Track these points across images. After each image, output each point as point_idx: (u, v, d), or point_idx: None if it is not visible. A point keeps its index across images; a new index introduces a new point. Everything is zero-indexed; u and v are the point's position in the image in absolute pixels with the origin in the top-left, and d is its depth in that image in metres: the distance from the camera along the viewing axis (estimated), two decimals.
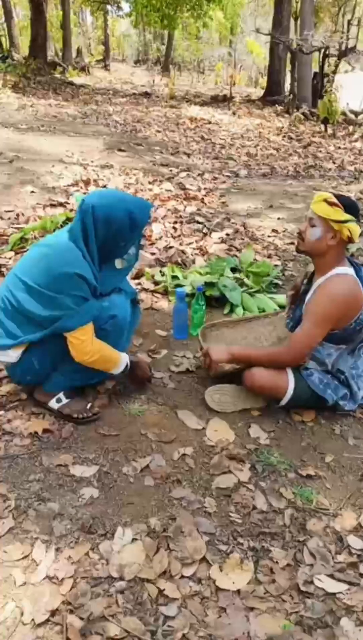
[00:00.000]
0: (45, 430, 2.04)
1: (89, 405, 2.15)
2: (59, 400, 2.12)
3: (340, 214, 1.99)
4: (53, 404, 2.12)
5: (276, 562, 1.59)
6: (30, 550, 1.56)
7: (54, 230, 3.68)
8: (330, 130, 10.96)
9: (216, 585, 1.51)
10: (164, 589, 1.48)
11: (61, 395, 2.12)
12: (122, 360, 2.11)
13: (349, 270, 2.07)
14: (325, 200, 2.01)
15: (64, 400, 2.12)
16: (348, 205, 2.01)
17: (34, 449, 1.97)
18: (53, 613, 1.39)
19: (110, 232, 1.94)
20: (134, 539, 1.62)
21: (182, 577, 1.52)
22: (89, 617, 1.39)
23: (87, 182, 5.24)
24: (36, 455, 1.94)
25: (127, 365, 2.14)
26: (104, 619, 1.39)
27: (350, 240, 2.04)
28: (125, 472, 1.89)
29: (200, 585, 1.51)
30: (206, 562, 1.57)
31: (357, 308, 2.05)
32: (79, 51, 22.16)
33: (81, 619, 1.38)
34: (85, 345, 1.96)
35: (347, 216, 1.99)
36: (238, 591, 1.50)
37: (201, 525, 1.69)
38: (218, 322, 2.61)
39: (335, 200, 2.00)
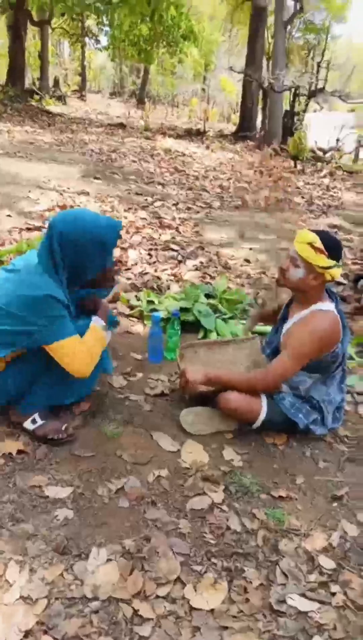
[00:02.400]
0: (19, 451, 2.03)
1: (64, 427, 2.14)
2: (34, 422, 2.11)
3: (324, 261, 2.02)
4: (28, 425, 2.11)
5: (250, 582, 1.61)
6: (4, 570, 1.55)
7: None
8: (299, 167, 11.35)
9: (190, 605, 1.52)
10: (138, 609, 1.48)
11: (36, 416, 2.12)
12: (101, 327, 2.10)
13: (330, 306, 2.15)
14: (310, 245, 2.02)
15: (39, 422, 2.12)
16: (332, 249, 2.03)
17: (7, 470, 1.95)
18: (27, 633, 1.38)
19: (78, 254, 1.94)
20: (108, 560, 1.62)
21: (156, 597, 1.53)
22: (64, 637, 1.38)
23: (63, 208, 5.29)
24: (10, 476, 1.92)
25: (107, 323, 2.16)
26: (79, 639, 1.38)
27: (332, 281, 2.11)
28: (100, 493, 1.89)
29: (174, 605, 1.51)
30: (180, 582, 1.58)
31: (334, 343, 2.13)
32: (56, 81, 22.47)
33: (55, 639, 1.37)
34: (83, 358, 1.98)
35: (331, 262, 2.03)
36: (212, 610, 1.51)
37: (176, 546, 1.70)
38: (196, 343, 2.66)
39: (320, 245, 2.01)
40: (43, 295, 1.86)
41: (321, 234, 2.06)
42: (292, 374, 2.15)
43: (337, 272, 2.07)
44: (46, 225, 4.60)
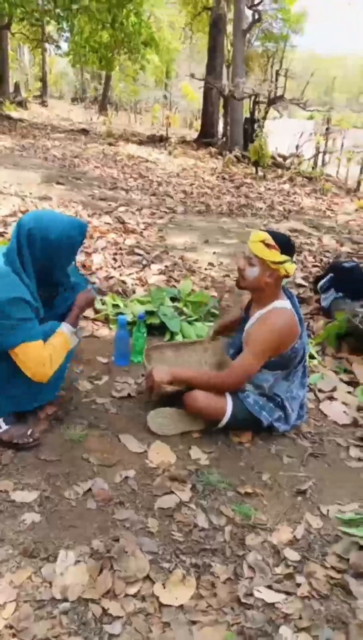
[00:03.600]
0: None
1: (29, 431, 2.13)
2: None
3: (277, 256, 2.12)
4: None
5: (217, 577, 1.64)
6: None
7: None
8: (260, 173, 11.53)
9: (159, 602, 1.53)
10: (108, 608, 1.49)
11: (0, 421, 2.10)
12: (68, 333, 2.11)
13: (286, 304, 2.22)
14: (263, 242, 2.12)
15: (4, 427, 2.10)
16: (284, 245, 2.14)
17: None
18: None
19: (47, 253, 1.96)
20: (77, 561, 1.63)
21: (126, 595, 1.54)
22: (33, 639, 1.38)
23: (25, 213, 5.24)
24: None
25: (75, 332, 2.17)
26: None
27: (287, 276, 2.19)
28: (67, 496, 1.89)
29: (144, 603, 1.53)
30: (149, 580, 1.60)
31: (293, 338, 2.20)
32: (16, 86, 22.22)
33: None
34: (43, 362, 1.96)
35: (284, 257, 2.12)
36: (181, 606, 1.53)
37: (144, 545, 1.72)
38: (162, 344, 2.68)
39: (272, 242, 2.12)
40: (11, 297, 1.86)
41: (272, 233, 2.16)
42: (254, 370, 2.20)
43: (291, 267, 2.15)
44: (8, 231, 4.57)
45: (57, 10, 14.36)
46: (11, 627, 1.40)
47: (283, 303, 2.23)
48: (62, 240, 1.96)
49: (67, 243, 1.98)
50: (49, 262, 1.98)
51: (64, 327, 2.11)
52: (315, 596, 1.60)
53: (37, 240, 1.93)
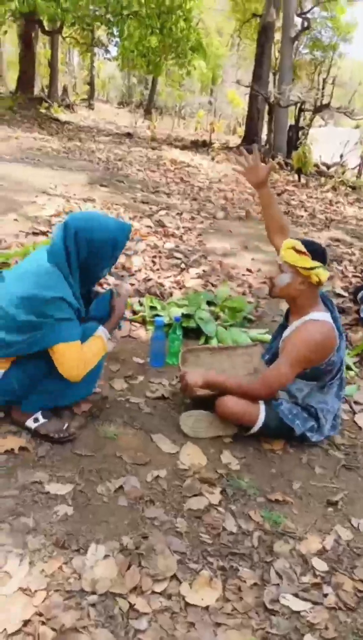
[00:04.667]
0: (21, 448, 2.07)
1: (65, 426, 2.18)
2: (36, 420, 2.15)
3: (308, 262, 2.12)
4: (30, 423, 2.15)
5: (244, 581, 1.64)
6: (4, 562, 1.58)
7: None
8: (303, 180, 11.44)
9: (185, 601, 1.55)
10: (135, 604, 1.51)
11: (38, 415, 2.16)
12: (105, 338, 2.14)
13: (325, 315, 2.20)
14: (293, 248, 2.14)
15: (41, 420, 2.16)
16: (315, 252, 2.14)
17: (10, 466, 1.99)
18: (25, 623, 1.41)
19: (91, 253, 2.01)
20: (106, 556, 1.66)
21: (153, 592, 1.56)
22: (61, 628, 1.41)
23: (68, 214, 5.35)
24: (12, 472, 1.96)
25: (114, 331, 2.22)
26: (76, 630, 1.42)
27: (319, 283, 2.18)
28: (99, 492, 1.93)
29: (170, 601, 1.55)
30: (176, 580, 1.62)
31: (329, 351, 2.18)
32: (65, 89, 22.70)
33: (53, 630, 1.41)
34: (77, 364, 2.01)
35: (315, 263, 2.12)
36: (207, 607, 1.54)
37: (173, 544, 1.74)
38: (198, 348, 2.71)
39: (302, 248, 2.13)
40: (52, 296, 1.91)
41: (304, 240, 2.18)
42: (287, 381, 2.19)
43: (323, 274, 2.14)
44: (52, 230, 4.68)
45: (108, 16, 14.61)
46: (41, 614, 1.44)
47: (321, 314, 2.21)
48: (106, 241, 2.01)
49: (111, 244, 2.02)
50: (93, 262, 2.03)
51: (102, 332, 2.14)
52: (342, 607, 1.59)
53: (83, 241, 1.98)
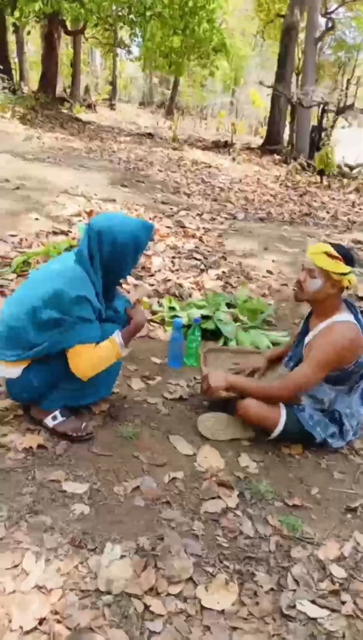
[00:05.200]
0: (39, 446, 2.08)
1: (83, 425, 2.19)
2: (54, 418, 2.17)
3: (341, 267, 2.09)
4: (49, 421, 2.17)
5: (261, 586, 1.63)
6: (21, 560, 1.59)
7: None
8: (325, 182, 11.35)
9: (201, 605, 1.54)
10: (150, 605, 1.51)
11: (57, 413, 2.17)
12: (120, 345, 2.10)
13: (349, 317, 2.17)
14: (326, 253, 2.10)
15: (60, 419, 2.17)
16: (345, 256, 2.11)
17: (28, 464, 2.00)
18: (41, 622, 1.42)
19: (114, 253, 2.02)
20: (122, 556, 1.66)
21: (168, 594, 1.56)
22: (76, 627, 1.41)
23: (90, 214, 5.38)
24: (30, 470, 1.97)
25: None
26: (91, 630, 1.42)
27: (348, 288, 2.15)
28: (116, 492, 1.93)
29: (186, 604, 1.54)
30: (192, 582, 1.61)
31: (357, 353, 2.15)
32: (87, 89, 22.86)
33: (68, 628, 1.41)
34: (86, 364, 2.03)
35: (348, 268, 2.10)
36: (223, 611, 1.53)
37: (189, 547, 1.73)
38: (220, 348, 2.70)
39: (335, 253, 2.09)
40: (77, 295, 1.93)
41: (332, 244, 2.14)
42: (312, 384, 2.17)
43: (354, 279, 2.13)
44: (72, 230, 4.71)
45: (131, 16, 14.66)
46: (56, 612, 1.45)
47: (346, 316, 2.18)
48: (129, 242, 2.01)
49: (133, 245, 2.03)
50: (116, 262, 2.04)
51: (117, 337, 2.11)
52: (360, 616, 1.56)
53: (106, 241, 1.99)
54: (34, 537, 1.68)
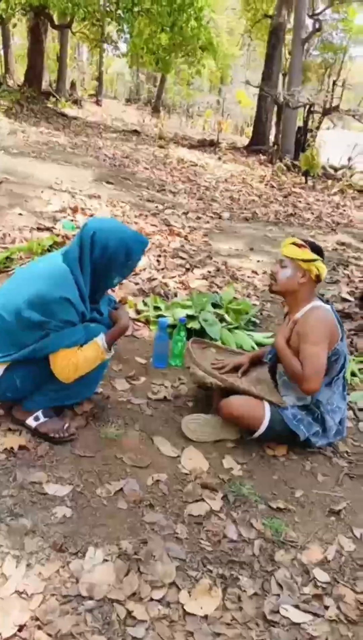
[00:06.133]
0: (21, 447, 2.04)
1: (66, 426, 2.15)
2: (37, 419, 2.13)
3: (308, 254, 2.19)
4: (31, 422, 2.13)
5: (244, 591, 1.61)
6: (1, 564, 1.55)
7: (41, 253, 3.74)
8: (310, 183, 11.40)
9: (184, 610, 1.52)
10: (132, 611, 1.49)
11: (39, 413, 2.13)
12: (103, 348, 2.06)
13: (324, 304, 2.25)
14: (293, 243, 2.22)
15: (42, 419, 2.13)
16: (312, 247, 2.23)
17: (8, 465, 1.96)
18: (21, 628, 1.38)
19: (104, 259, 2.00)
20: (105, 560, 1.63)
21: (151, 599, 1.53)
22: (57, 634, 1.39)
23: (75, 210, 5.33)
24: (10, 471, 1.93)
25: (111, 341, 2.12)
26: (72, 636, 1.39)
27: (318, 278, 2.22)
28: (98, 494, 1.90)
29: (169, 609, 1.52)
30: (175, 587, 1.59)
31: (335, 337, 2.20)
32: (73, 84, 22.62)
33: (49, 635, 1.38)
34: (68, 367, 2.00)
35: (315, 255, 2.19)
36: (206, 616, 1.51)
37: (172, 551, 1.71)
38: (206, 342, 2.68)
39: (301, 242, 2.22)
40: (60, 296, 1.90)
41: (301, 239, 2.26)
42: (322, 361, 2.14)
43: (322, 268, 2.21)
44: (57, 226, 4.65)
45: (119, 12, 14.55)
46: (37, 619, 1.42)
47: (319, 303, 2.26)
48: (121, 248, 1.99)
49: (124, 252, 2.01)
50: (105, 267, 2.02)
51: (101, 341, 2.07)
52: (343, 620, 1.56)
53: (98, 243, 1.97)
54: (14, 540, 1.64)
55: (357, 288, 4.56)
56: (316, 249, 2.23)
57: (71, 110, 17.74)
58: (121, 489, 1.94)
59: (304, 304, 2.25)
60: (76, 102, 20.25)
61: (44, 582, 1.52)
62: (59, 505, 1.81)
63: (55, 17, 16.92)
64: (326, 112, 13.51)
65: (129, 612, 1.48)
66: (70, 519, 1.77)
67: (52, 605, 1.46)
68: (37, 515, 1.76)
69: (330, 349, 2.18)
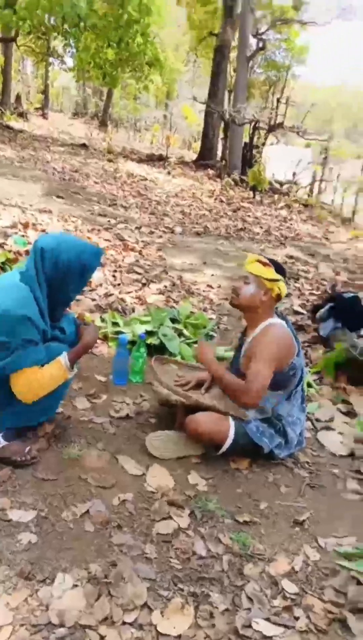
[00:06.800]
0: None
1: (27, 449, 2.11)
2: None
3: (272, 273, 2.25)
4: None
5: (216, 607, 1.62)
6: None
7: None
8: (257, 197, 11.67)
9: (157, 631, 1.51)
10: (105, 636, 1.46)
11: None
12: (66, 367, 2.03)
13: (280, 321, 2.32)
14: (259, 261, 2.27)
15: (2, 443, 2.08)
16: (277, 267, 2.29)
17: None
18: None
19: (59, 274, 1.98)
20: (74, 585, 1.60)
21: (123, 623, 1.51)
22: None
23: (25, 225, 5.25)
24: None
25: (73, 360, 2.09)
26: None
27: (279, 297, 2.30)
28: (64, 517, 1.87)
29: (142, 631, 1.50)
30: (147, 608, 1.58)
31: (291, 352, 2.26)
32: (18, 97, 22.35)
33: None
34: (30, 387, 1.97)
35: (278, 275, 2.26)
36: (179, 636, 1.50)
37: (142, 571, 1.69)
38: (167, 359, 2.70)
39: (267, 261, 2.28)
40: (21, 315, 1.87)
41: (264, 257, 2.34)
42: (267, 380, 2.19)
43: (284, 287, 2.29)
44: (7, 242, 4.56)
45: (65, 26, 14.54)
46: None
47: (276, 320, 2.33)
48: (73, 262, 1.98)
49: (78, 266, 2.00)
50: (60, 283, 2.00)
51: (63, 359, 2.04)
52: (314, 630, 1.59)
53: (49, 260, 1.96)
54: None
55: (308, 301, 4.69)
56: (280, 269, 2.29)
57: (16, 124, 17.52)
58: (87, 511, 1.91)
59: (262, 321, 2.31)
60: (22, 115, 20.02)
61: (12, 612, 1.48)
62: (23, 532, 1.77)
63: None
64: (271, 128, 13.92)
65: (102, 637, 1.46)
66: (35, 544, 1.73)
67: (23, 635, 1.42)
68: (1, 542, 1.71)
69: (285, 364, 2.24)
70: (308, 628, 1.59)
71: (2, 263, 3.88)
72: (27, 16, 12.63)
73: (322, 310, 3.72)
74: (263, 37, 16.95)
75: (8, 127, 15.67)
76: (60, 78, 37.76)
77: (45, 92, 27.64)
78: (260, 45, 16.74)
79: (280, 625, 1.59)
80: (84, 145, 16.30)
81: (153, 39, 17.09)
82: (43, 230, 5.28)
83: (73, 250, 1.99)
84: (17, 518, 1.82)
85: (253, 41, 16.47)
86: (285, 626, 1.59)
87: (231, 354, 3.10)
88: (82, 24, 13.70)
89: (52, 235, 2.07)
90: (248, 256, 2.34)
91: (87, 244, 2.10)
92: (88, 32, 14.75)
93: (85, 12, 12.92)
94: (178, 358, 3.09)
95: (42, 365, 2.00)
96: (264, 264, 2.26)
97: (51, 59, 23.29)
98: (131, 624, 1.52)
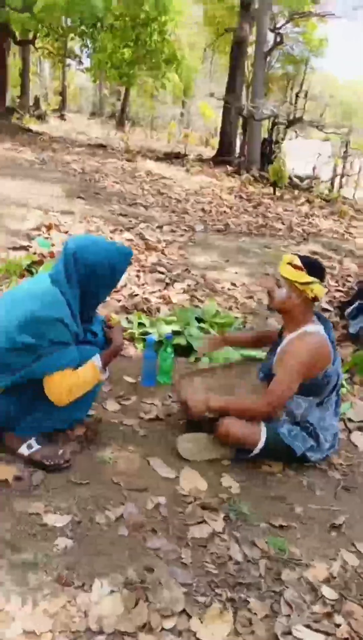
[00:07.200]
0: (15, 477, 1.99)
1: (60, 452, 2.11)
2: (30, 447, 2.08)
3: (303, 277, 2.16)
4: (24, 450, 2.07)
5: (255, 613, 1.59)
6: (5, 602, 1.50)
7: (22, 276, 3.68)
8: (278, 193, 11.57)
9: (196, 638, 1.49)
10: None
11: (32, 441, 2.08)
12: (99, 369, 2.06)
13: (319, 329, 2.23)
14: (290, 264, 2.19)
15: (35, 447, 2.08)
16: (311, 267, 2.19)
17: (3, 497, 1.90)
18: None
19: (90, 276, 1.98)
20: (112, 591, 1.59)
21: (162, 629, 1.50)
22: None
23: (49, 227, 5.27)
24: (7, 503, 1.87)
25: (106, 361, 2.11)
26: None
27: (315, 299, 2.21)
28: (98, 522, 1.86)
29: (181, 638, 1.49)
30: (185, 614, 1.56)
31: (325, 363, 2.19)
32: (36, 99, 22.54)
33: None
34: (64, 390, 1.97)
35: (310, 278, 2.16)
36: None
37: (178, 576, 1.68)
38: (192, 372, 2.66)
39: (299, 263, 2.18)
40: (51, 318, 1.88)
41: (300, 255, 2.24)
42: (288, 395, 2.18)
43: (319, 289, 2.19)
44: (32, 245, 4.59)
45: (82, 27, 14.59)
46: None
47: (314, 327, 2.24)
48: (104, 264, 1.98)
49: (109, 268, 1.99)
50: (92, 285, 2.00)
51: (97, 362, 2.06)
52: (355, 638, 1.56)
53: (81, 263, 1.95)
54: (16, 576, 1.59)
55: (334, 297, 4.63)
56: (314, 268, 2.20)
57: (35, 126, 17.64)
58: (121, 515, 1.90)
59: (299, 325, 2.25)
60: (40, 117, 20.17)
61: (51, 619, 1.48)
62: (59, 536, 1.77)
63: (17, 33, 16.85)
64: (290, 123, 13.79)
65: None
66: (71, 550, 1.73)
67: None
68: (37, 547, 1.71)
69: (319, 373, 2.19)
70: (350, 635, 1.56)
71: (28, 265, 3.90)
72: (45, 18, 12.71)
73: (351, 308, 3.66)
74: (281, 31, 16.78)
75: (28, 130, 15.79)
76: (77, 79, 37.98)
77: (62, 93, 27.82)
78: (278, 39, 16.59)
79: (321, 632, 1.56)
80: (102, 146, 16.34)
81: (170, 36, 17.05)
82: (66, 232, 5.30)
83: (103, 252, 1.99)
84: (52, 522, 1.82)
85: (270, 36, 16.32)
86: (326, 633, 1.56)
87: (259, 353, 3.07)
88: (99, 24, 13.73)
89: (81, 237, 2.08)
90: (283, 257, 2.26)
91: (117, 245, 2.10)
92: (105, 32, 14.77)
93: (102, 13, 12.94)
94: (206, 359, 3.07)
95: (75, 368, 2.00)
96: (295, 267, 2.17)
97: (68, 60, 23.43)
98: (170, 631, 1.50)
